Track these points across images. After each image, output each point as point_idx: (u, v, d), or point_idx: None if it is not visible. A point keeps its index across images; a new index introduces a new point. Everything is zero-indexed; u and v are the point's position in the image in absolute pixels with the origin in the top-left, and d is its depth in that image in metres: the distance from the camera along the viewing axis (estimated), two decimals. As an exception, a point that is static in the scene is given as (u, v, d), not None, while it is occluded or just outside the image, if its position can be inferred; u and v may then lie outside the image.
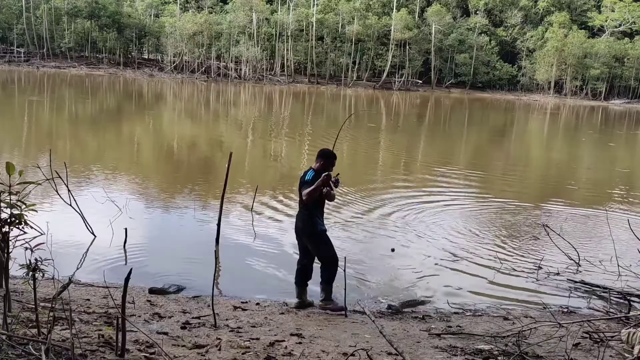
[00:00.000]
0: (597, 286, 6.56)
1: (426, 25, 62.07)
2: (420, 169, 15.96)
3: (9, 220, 3.66)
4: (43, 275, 3.63)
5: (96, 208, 8.42)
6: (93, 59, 57.50)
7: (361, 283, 6.40)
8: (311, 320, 5.14)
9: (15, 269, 3.92)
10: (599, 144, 27.00)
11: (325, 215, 5.66)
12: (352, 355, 3.92)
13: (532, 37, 63.47)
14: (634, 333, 4.58)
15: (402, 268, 7.10)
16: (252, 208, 9.19)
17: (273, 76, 58.91)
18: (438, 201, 11.01)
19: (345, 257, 5.61)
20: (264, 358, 3.92)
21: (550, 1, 65.36)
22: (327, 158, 5.36)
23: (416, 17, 62.61)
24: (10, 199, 3.62)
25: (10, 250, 3.82)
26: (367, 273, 6.72)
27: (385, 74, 60.73)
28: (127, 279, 3.45)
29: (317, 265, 5.60)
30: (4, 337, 3.29)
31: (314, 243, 5.44)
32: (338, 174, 5.43)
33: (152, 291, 5.67)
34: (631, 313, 5.53)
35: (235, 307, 5.34)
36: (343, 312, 5.30)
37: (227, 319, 4.90)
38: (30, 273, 3.55)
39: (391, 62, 60.22)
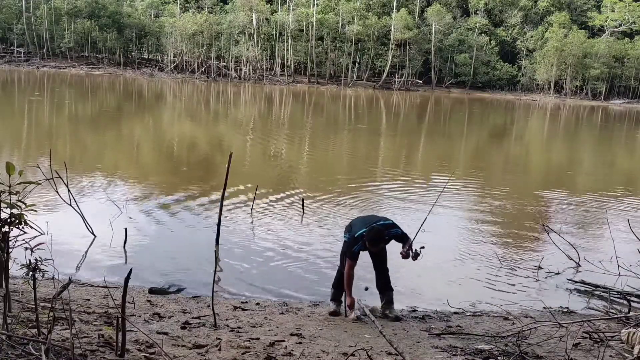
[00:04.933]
0: (597, 286, 6.56)
1: (426, 25, 62.11)
2: (419, 168, 15.96)
3: (9, 220, 3.66)
4: (43, 275, 3.62)
5: (96, 208, 8.43)
6: (93, 59, 57.53)
7: (361, 283, 6.38)
8: (311, 320, 5.14)
9: (15, 269, 3.92)
10: (597, 144, 27.00)
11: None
12: (352, 355, 3.92)
13: (532, 37, 63.52)
14: (634, 333, 4.58)
15: (401, 268, 7.09)
16: (252, 208, 9.19)
17: (273, 76, 58.93)
18: (437, 200, 10.98)
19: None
20: (264, 358, 3.92)
21: (550, 1, 65.39)
22: (370, 242, 5.01)
23: (416, 17, 62.66)
24: (10, 199, 3.62)
25: (10, 250, 3.81)
26: (367, 273, 6.71)
27: (385, 74, 60.75)
28: (127, 279, 3.45)
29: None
30: (4, 337, 3.29)
31: None
32: (422, 247, 5.09)
33: (152, 291, 5.66)
34: (631, 313, 5.53)
35: (235, 307, 5.34)
36: (335, 315, 5.30)
37: (227, 319, 4.89)
38: (30, 273, 3.55)
39: (391, 62, 60.24)
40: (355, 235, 5.12)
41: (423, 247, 5.08)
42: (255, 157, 15.94)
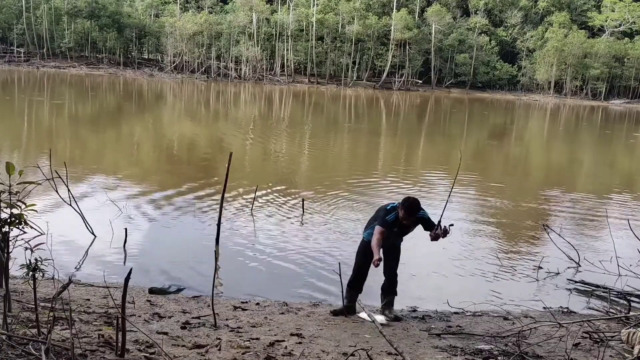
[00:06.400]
0: (597, 286, 6.57)
1: (426, 25, 62.09)
2: (418, 168, 15.95)
3: (9, 220, 3.66)
4: (43, 275, 3.62)
5: (96, 208, 8.43)
6: (93, 59, 57.48)
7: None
8: (311, 320, 5.14)
9: (15, 269, 3.93)
10: (597, 144, 27.00)
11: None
12: (352, 355, 3.92)
13: (532, 37, 63.49)
14: (634, 333, 4.58)
15: (401, 268, 7.08)
16: (252, 208, 9.19)
17: (273, 76, 58.92)
18: (436, 200, 11.00)
19: (339, 264, 5.58)
20: (264, 358, 3.92)
21: (550, 1, 65.36)
22: (406, 210, 5.10)
23: (416, 17, 62.63)
24: (10, 199, 3.62)
25: (10, 250, 3.81)
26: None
27: (385, 74, 60.74)
28: (127, 279, 3.45)
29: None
30: (4, 337, 3.29)
31: None
32: (452, 224, 5.20)
33: (152, 291, 5.66)
34: (631, 313, 5.53)
35: (235, 307, 5.34)
36: (337, 315, 5.30)
37: (227, 319, 4.89)
38: (30, 273, 3.54)
39: (391, 62, 60.24)
40: (388, 208, 5.25)
41: (452, 225, 5.20)
42: (255, 157, 15.94)
